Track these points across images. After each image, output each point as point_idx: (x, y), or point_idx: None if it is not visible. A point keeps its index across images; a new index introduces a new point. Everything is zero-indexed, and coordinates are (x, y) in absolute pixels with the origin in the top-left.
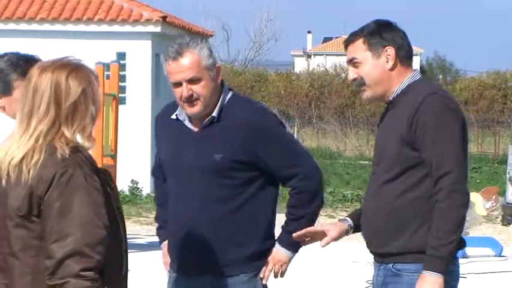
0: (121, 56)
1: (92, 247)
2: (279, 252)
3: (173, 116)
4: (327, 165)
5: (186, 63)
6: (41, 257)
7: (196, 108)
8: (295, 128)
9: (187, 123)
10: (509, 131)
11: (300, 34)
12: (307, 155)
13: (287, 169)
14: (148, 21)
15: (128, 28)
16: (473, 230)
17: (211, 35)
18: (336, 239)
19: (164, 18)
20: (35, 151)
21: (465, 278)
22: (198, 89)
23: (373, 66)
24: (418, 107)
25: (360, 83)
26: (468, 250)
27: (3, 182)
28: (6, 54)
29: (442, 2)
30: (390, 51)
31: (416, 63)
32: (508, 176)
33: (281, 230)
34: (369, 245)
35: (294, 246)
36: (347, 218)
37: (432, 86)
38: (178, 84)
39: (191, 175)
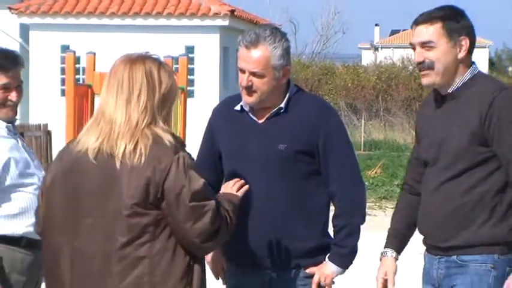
0: (189, 49)
1: (214, 220)
2: (326, 265)
3: (237, 107)
4: (394, 158)
5: (255, 56)
6: (155, 242)
7: (252, 99)
8: (362, 120)
9: (251, 114)
10: None
11: (368, 27)
12: (358, 166)
13: (336, 169)
14: (216, 15)
15: (196, 22)
16: None
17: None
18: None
19: (232, 12)
20: (141, 140)
21: None
22: (258, 83)
23: (447, 53)
24: (492, 103)
25: (428, 66)
26: None
27: (117, 169)
28: None
29: None
30: (465, 42)
31: (485, 55)
32: None
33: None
34: (428, 239)
35: (341, 262)
36: (389, 251)
37: (497, 81)
38: (242, 70)
39: (255, 165)
